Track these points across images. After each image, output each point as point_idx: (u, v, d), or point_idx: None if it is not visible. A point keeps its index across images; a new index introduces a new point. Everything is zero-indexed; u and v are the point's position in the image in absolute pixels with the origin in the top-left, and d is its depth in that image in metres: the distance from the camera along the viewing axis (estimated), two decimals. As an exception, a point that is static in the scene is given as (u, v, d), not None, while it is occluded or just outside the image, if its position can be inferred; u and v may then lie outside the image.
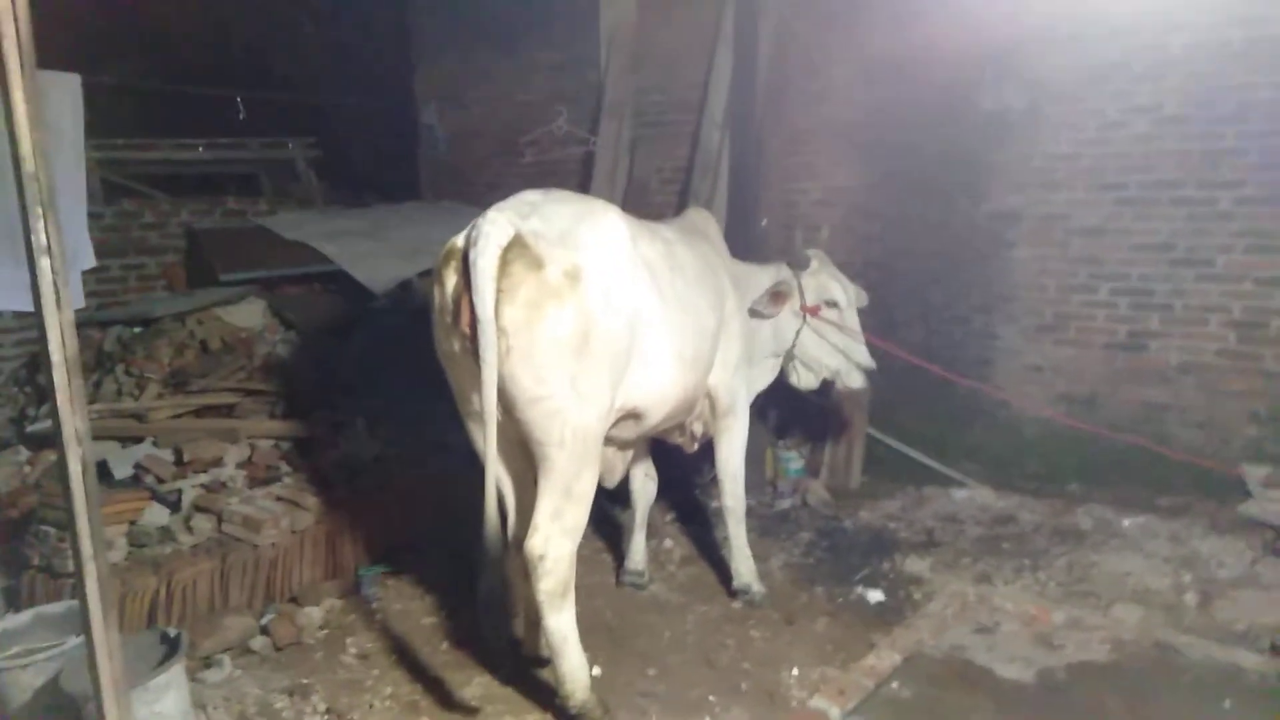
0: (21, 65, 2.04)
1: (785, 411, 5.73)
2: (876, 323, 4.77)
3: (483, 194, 2.76)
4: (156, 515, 4.07)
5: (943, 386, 5.27)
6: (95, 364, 5.16)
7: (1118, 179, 4.86)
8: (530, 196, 3.04)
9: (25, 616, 3.44)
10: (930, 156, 5.40)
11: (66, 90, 3.39)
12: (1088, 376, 5.06)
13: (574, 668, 3.02)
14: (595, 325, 2.85)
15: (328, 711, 3.27)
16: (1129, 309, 4.92)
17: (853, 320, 4.34)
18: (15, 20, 1.99)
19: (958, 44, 5.16)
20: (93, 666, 2.23)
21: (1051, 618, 3.77)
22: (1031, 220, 5.13)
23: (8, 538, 4.15)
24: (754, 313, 4.07)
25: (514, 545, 3.19)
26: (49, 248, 2.10)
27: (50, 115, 2.51)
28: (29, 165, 2.07)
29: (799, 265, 4.26)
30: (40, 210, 2.09)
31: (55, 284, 2.11)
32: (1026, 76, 5.03)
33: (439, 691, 3.36)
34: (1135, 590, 4.00)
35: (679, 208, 5.74)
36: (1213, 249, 4.65)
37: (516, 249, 2.77)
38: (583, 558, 3.55)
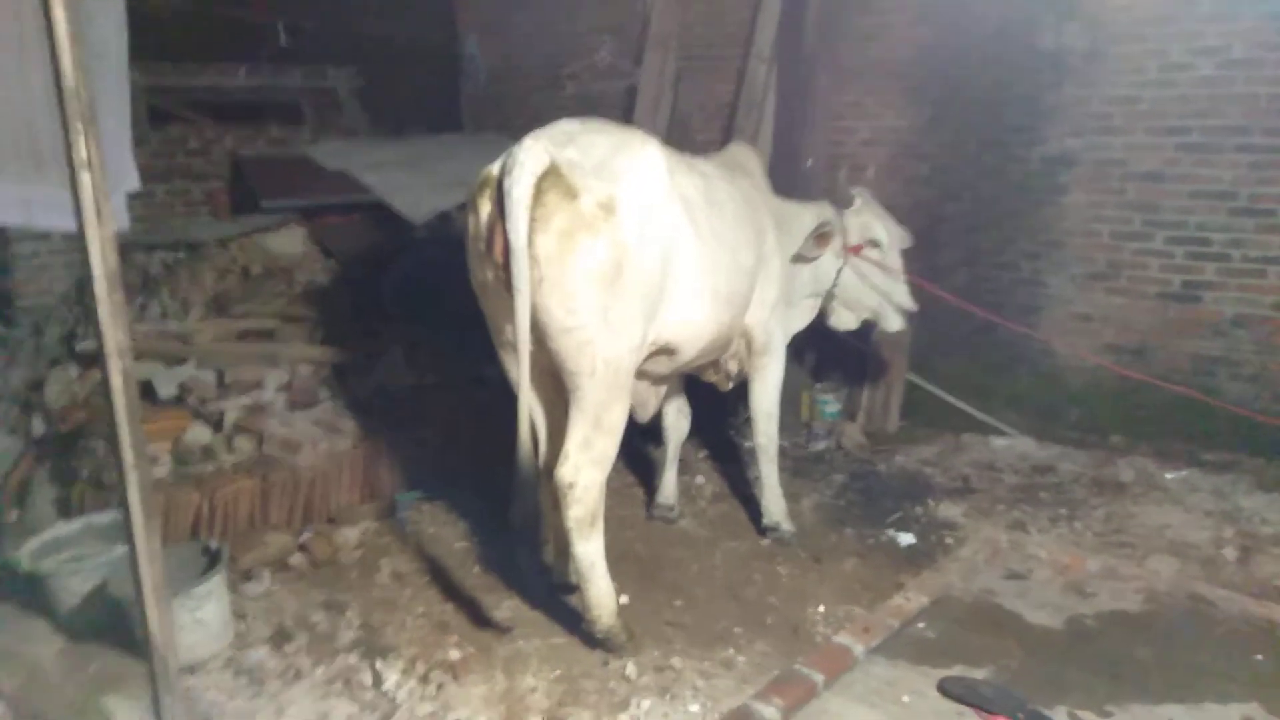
0: (62, -22, 2.04)
1: (823, 354, 5.67)
2: (921, 267, 4.67)
3: (523, 127, 2.73)
4: (199, 434, 4.17)
5: (985, 333, 5.18)
6: (141, 287, 5.26)
7: (1180, 123, 4.68)
8: (567, 126, 3.00)
9: (75, 525, 3.58)
10: (983, 98, 5.23)
11: (109, 9, 3.37)
12: (1138, 326, 4.94)
13: (601, 594, 3.07)
14: (628, 257, 2.82)
15: (362, 626, 3.36)
16: (1184, 258, 4.77)
17: (895, 261, 4.27)
18: (55, -69, 1.99)
19: (1017, -20, 4.97)
20: (135, 570, 2.31)
21: (1085, 566, 3.74)
22: (1087, 165, 4.97)
23: (59, 451, 4.29)
24: (799, 258, 4.01)
25: (545, 473, 3.22)
26: (89, 162, 2.12)
27: (92, 34, 2.50)
28: (69, 80, 2.08)
29: (842, 203, 4.18)
30: (81, 125, 2.11)
31: (96, 199, 2.14)
32: (1088, 16, 4.83)
33: (470, 612, 3.44)
34: (1173, 543, 3.95)
35: (723, 144, 5.62)
36: (1276, 198, 4.48)
37: (551, 178, 2.74)
38: (614, 490, 3.59)
